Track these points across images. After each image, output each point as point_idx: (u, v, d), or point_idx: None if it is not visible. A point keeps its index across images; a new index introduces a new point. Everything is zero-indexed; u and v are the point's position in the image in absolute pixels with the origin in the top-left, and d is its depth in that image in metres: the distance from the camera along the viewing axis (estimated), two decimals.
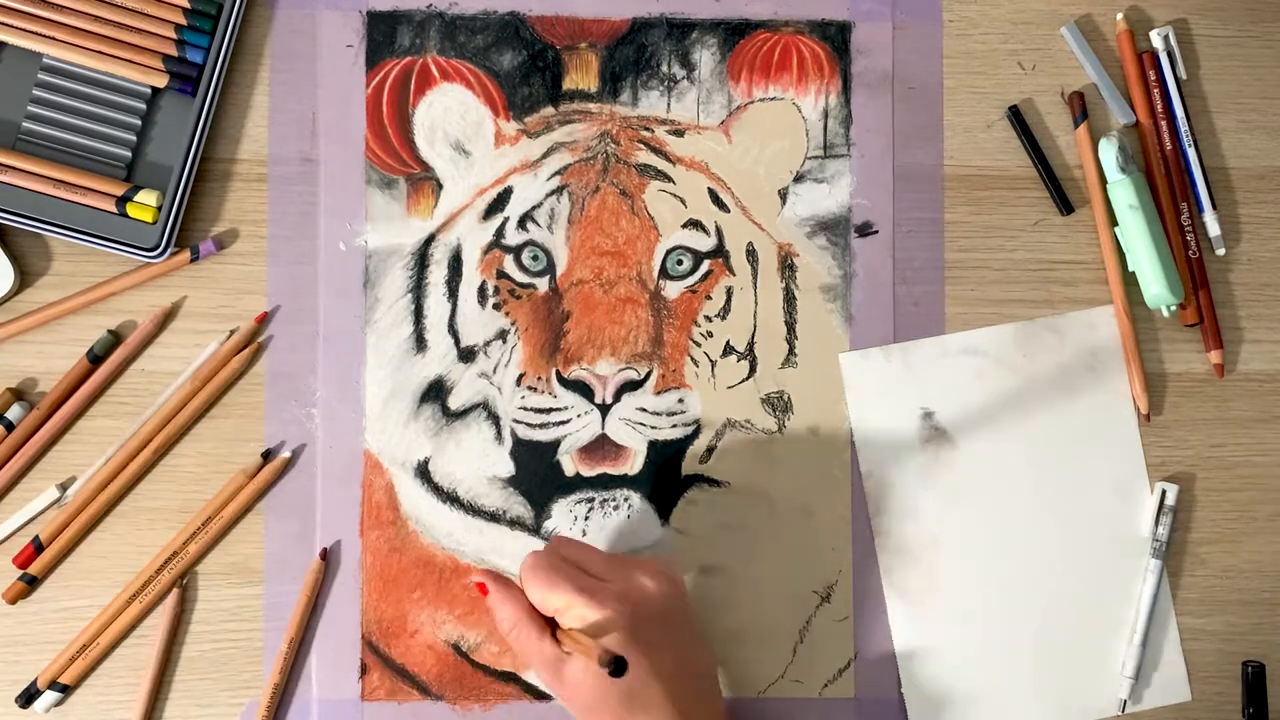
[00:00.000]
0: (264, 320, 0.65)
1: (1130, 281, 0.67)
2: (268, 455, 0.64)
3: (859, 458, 0.66)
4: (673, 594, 0.58)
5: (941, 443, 0.66)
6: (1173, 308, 0.66)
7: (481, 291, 0.66)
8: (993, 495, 0.66)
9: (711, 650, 0.59)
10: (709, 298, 0.66)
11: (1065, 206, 0.67)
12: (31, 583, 0.63)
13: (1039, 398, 0.67)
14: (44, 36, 0.63)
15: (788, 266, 0.67)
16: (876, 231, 0.67)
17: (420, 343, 0.66)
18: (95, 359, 0.64)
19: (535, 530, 0.65)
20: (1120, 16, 0.68)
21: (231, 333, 0.65)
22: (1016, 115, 0.67)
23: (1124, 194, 0.66)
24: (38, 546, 0.63)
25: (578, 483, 0.65)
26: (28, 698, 0.62)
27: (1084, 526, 0.66)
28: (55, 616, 0.64)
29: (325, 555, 0.64)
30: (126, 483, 0.64)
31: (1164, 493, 0.66)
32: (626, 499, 0.65)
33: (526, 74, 0.66)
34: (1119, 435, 0.67)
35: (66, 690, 0.63)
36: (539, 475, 0.65)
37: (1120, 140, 0.66)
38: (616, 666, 0.51)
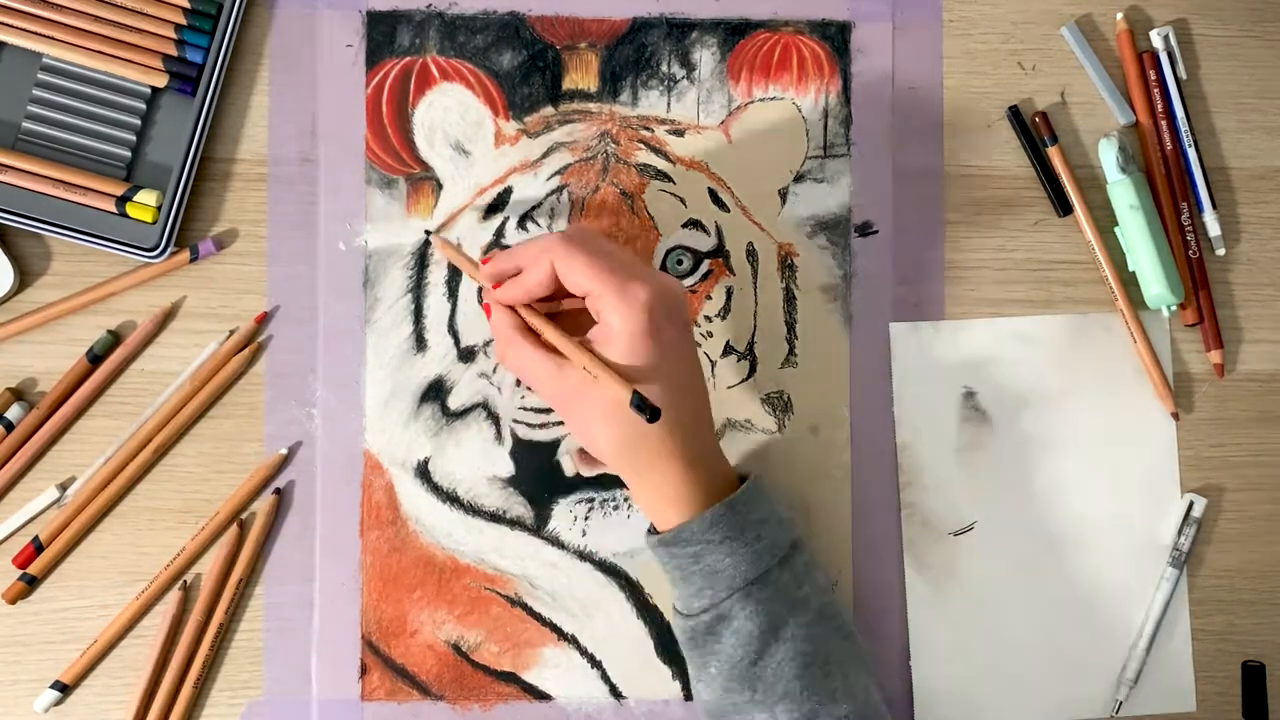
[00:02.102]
0: (263, 320, 0.65)
1: (1130, 281, 0.67)
2: (279, 491, 0.65)
3: (897, 429, 0.66)
4: (688, 303, 0.58)
5: (980, 424, 0.66)
6: (1173, 307, 0.66)
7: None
8: (1024, 483, 0.66)
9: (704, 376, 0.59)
10: (709, 298, 0.66)
11: (1063, 207, 0.67)
12: (31, 583, 0.63)
13: (1083, 392, 0.67)
14: (44, 36, 0.63)
15: (788, 266, 0.67)
16: (876, 231, 0.67)
17: (420, 342, 0.66)
18: (95, 359, 0.64)
19: (535, 530, 0.65)
20: (1120, 16, 0.68)
21: (231, 333, 0.65)
22: (1016, 116, 0.67)
23: (1124, 194, 0.66)
24: (38, 546, 0.63)
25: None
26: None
27: (1109, 526, 0.66)
28: (55, 617, 0.64)
29: (280, 494, 0.64)
30: (126, 483, 0.64)
31: (1191, 504, 0.66)
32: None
33: (526, 74, 0.66)
34: (1156, 440, 0.67)
35: (66, 690, 0.63)
36: (539, 475, 0.65)
37: (1120, 140, 0.66)
38: (652, 414, 0.51)
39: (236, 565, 0.64)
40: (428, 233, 0.65)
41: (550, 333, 0.56)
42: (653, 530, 0.58)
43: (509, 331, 0.57)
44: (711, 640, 0.55)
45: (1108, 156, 0.66)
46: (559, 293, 0.57)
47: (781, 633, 0.55)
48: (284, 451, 0.64)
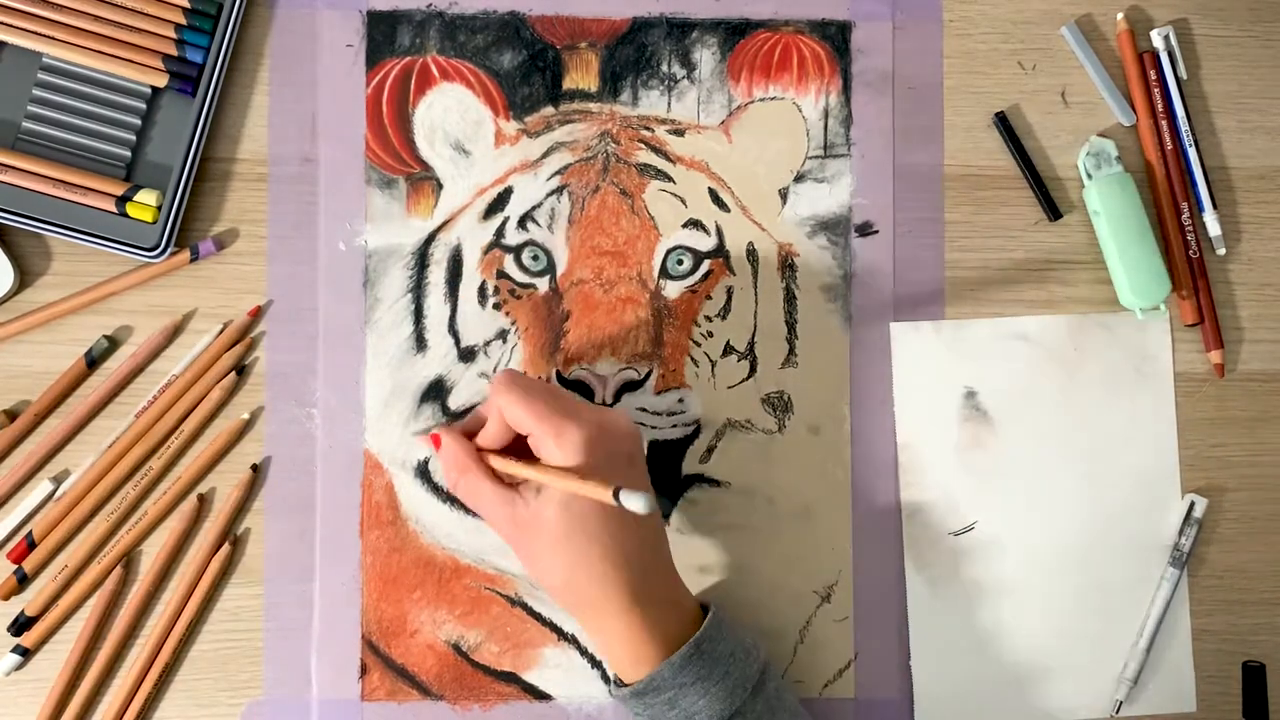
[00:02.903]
0: (257, 314, 0.65)
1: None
2: (257, 469, 0.65)
3: (897, 428, 0.66)
4: (638, 439, 0.58)
5: (981, 424, 0.66)
6: (1147, 311, 0.66)
7: (481, 291, 0.66)
8: (1024, 483, 0.66)
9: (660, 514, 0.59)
10: (709, 298, 0.66)
11: (1053, 213, 0.67)
12: (23, 580, 0.63)
13: (1083, 393, 0.67)
14: (44, 36, 0.63)
15: (788, 266, 0.67)
16: (876, 231, 0.67)
17: (420, 343, 0.66)
18: (93, 361, 0.64)
19: None
20: (1120, 16, 0.68)
21: (226, 325, 0.65)
22: (1003, 121, 0.67)
23: (1090, 200, 0.66)
24: (30, 543, 0.63)
25: None
26: (19, 627, 0.63)
27: (1109, 526, 0.66)
28: (52, 615, 0.64)
29: (256, 470, 0.64)
30: (120, 479, 0.64)
31: (1192, 504, 0.66)
32: None
33: (526, 74, 0.66)
34: (1157, 441, 0.67)
35: (27, 654, 0.63)
36: None
37: (1092, 146, 0.66)
38: (647, 503, 0.49)
39: (197, 541, 0.64)
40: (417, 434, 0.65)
41: (510, 465, 0.56)
42: (619, 682, 0.57)
43: (463, 460, 0.57)
44: None
45: (1081, 163, 0.66)
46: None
47: None
48: (245, 417, 0.64)
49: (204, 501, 0.64)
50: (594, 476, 0.52)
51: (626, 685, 0.56)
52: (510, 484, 0.57)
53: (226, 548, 0.64)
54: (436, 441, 0.59)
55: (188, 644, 0.64)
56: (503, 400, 0.56)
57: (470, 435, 0.59)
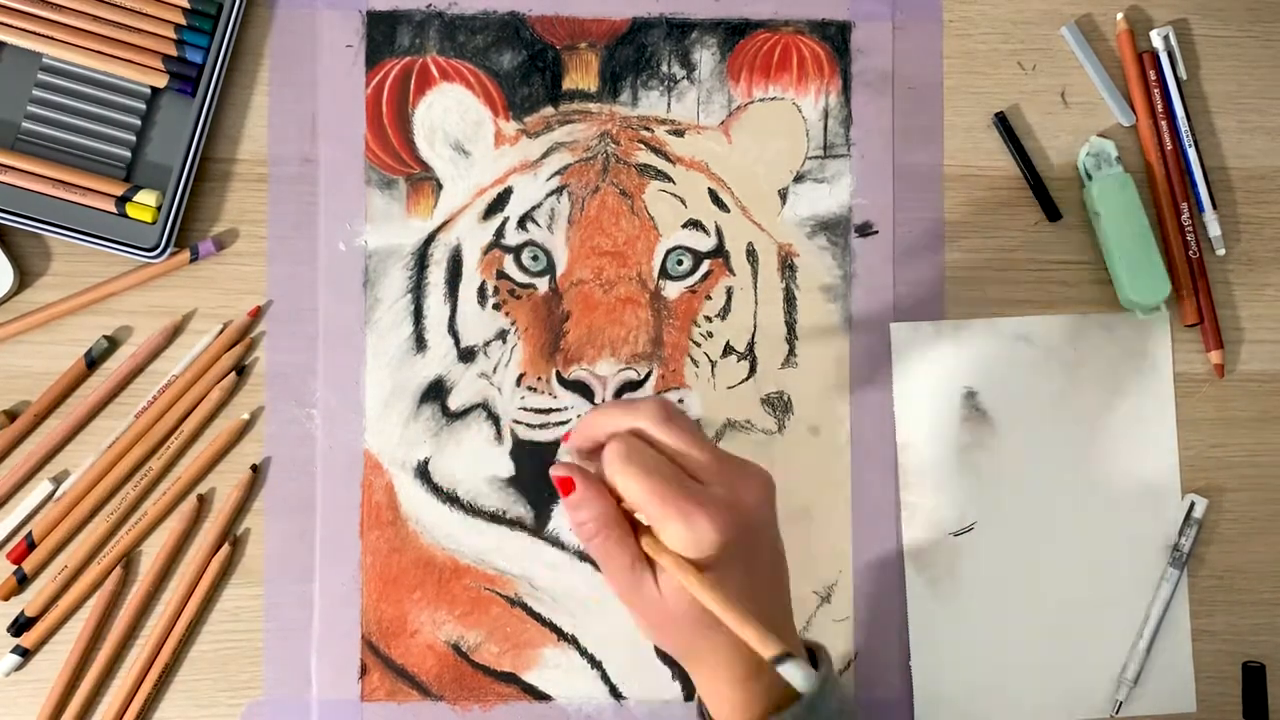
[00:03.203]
0: (257, 315, 0.65)
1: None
2: (257, 469, 0.65)
3: (897, 428, 0.66)
4: (771, 502, 0.51)
5: (981, 424, 0.66)
6: (1147, 311, 0.66)
7: (481, 291, 0.66)
8: (1024, 484, 0.66)
9: (787, 567, 0.53)
10: (709, 298, 0.66)
11: (1053, 213, 0.67)
12: (23, 580, 0.63)
13: (1083, 393, 0.67)
14: (44, 36, 0.63)
15: (788, 266, 0.67)
16: (876, 231, 0.67)
17: (420, 343, 0.66)
18: (92, 362, 0.64)
19: (535, 531, 0.65)
20: (1120, 16, 0.68)
21: (225, 326, 0.65)
22: (1003, 122, 0.67)
23: (1090, 200, 0.66)
24: (30, 544, 0.63)
25: None
26: (19, 628, 0.63)
27: (1109, 527, 0.66)
28: (52, 615, 0.64)
29: (256, 470, 0.64)
30: (120, 479, 0.64)
31: (1192, 504, 0.66)
32: None
33: (526, 74, 0.66)
34: (1156, 441, 0.67)
35: (27, 654, 0.63)
36: (539, 475, 0.65)
37: (1092, 146, 0.66)
38: (805, 677, 0.44)
39: (197, 541, 0.64)
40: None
41: (651, 544, 0.49)
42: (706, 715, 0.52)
43: (609, 519, 0.49)
44: None
45: (1080, 163, 0.66)
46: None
47: None
48: (245, 417, 0.64)
49: (204, 502, 0.64)
50: (728, 568, 0.47)
51: None
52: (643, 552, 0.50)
53: (226, 548, 0.64)
54: (568, 486, 0.50)
55: (187, 644, 0.64)
56: (620, 477, 0.48)
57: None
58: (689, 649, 0.51)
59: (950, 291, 0.67)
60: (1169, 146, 0.67)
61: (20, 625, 0.63)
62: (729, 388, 0.66)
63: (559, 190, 0.66)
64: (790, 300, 0.67)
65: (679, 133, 0.67)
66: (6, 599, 0.63)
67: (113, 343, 0.65)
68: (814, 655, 0.52)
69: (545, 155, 0.66)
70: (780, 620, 0.52)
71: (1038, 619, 0.66)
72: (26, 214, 0.62)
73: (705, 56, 0.67)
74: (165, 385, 0.64)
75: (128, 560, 0.64)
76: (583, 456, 0.52)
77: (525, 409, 0.65)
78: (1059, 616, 0.66)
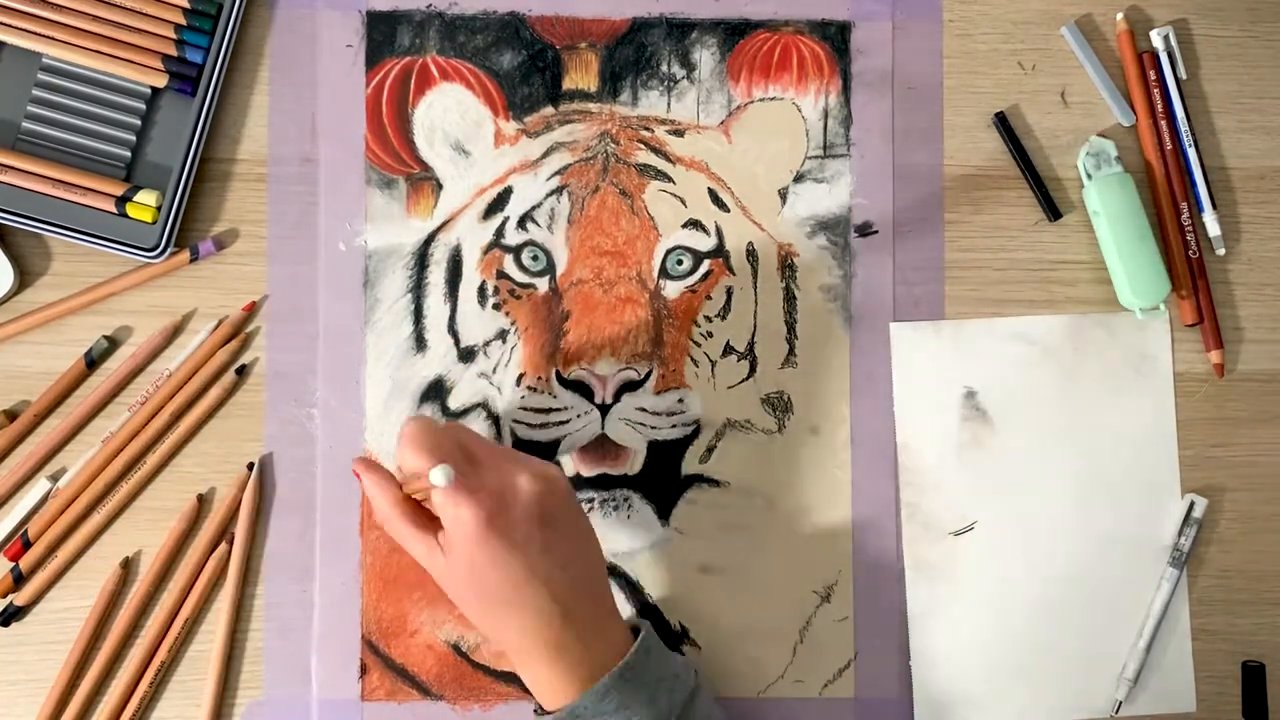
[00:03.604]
0: (252, 310, 0.65)
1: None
2: (251, 467, 0.65)
3: (897, 428, 0.66)
4: (552, 495, 0.55)
5: (980, 424, 0.66)
6: (1147, 311, 0.66)
7: (481, 291, 0.66)
8: (1024, 483, 0.66)
9: (602, 556, 0.58)
10: (709, 298, 0.66)
11: (1053, 213, 0.67)
12: (19, 579, 0.63)
13: (1083, 393, 0.67)
14: (44, 36, 0.63)
15: (788, 266, 0.67)
16: (876, 231, 0.67)
17: (420, 343, 0.66)
18: (92, 362, 0.64)
19: None
20: (1120, 16, 0.68)
21: (221, 321, 0.65)
22: (1003, 122, 0.67)
23: (1089, 200, 0.66)
24: (25, 542, 0.63)
25: (578, 483, 0.65)
26: (7, 618, 0.63)
27: (1109, 526, 0.66)
28: (51, 615, 0.64)
29: (253, 466, 0.64)
30: (115, 476, 0.64)
31: (1191, 504, 0.66)
32: (626, 499, 0.65)
33: (526, 74, 0.66)
34: (1156, 441, 0.67)
35: (19, 611, 0.63)
36: None
37: (1092, 146, 0.66)
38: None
39: (197, 541, 0.64)
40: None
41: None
42: (540, 710, 0.56)
43: (385, 507, 0.55)
44: None
45: (1080, 163, 0.66)
46: None
47: None
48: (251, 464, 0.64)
49: (204, 502, 0.64)
50: (487, 545, 0.52)
51: (548, 713, 0.55)
52: (431, 527, 0.55)
53: (224, 546, 0.64)
54: (357, 476, 0.57)
55: (187, 644, 0.64)
56: (406, 457, 0.54)
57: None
58: (493, 619, 0.55)
59: (950, 291, 0.67)
60: (1169, 146, 0.67)
61: (9, 615, 0.63)
62: (729, 387, 0.66)
63: (559, 190, 0.66)
64: (790, 300, 0.67)
65: (679, 133, 0.67)
66: (3, 596, 0.63)
67: (113, 343, 0.65)
68: (638, 633, 0.56)
69: (545, 155, 0.66)
70: (578, 594, 0.55)
71: (1038, 619, 0.66)
72: (26, 214, 0.62)
73: (705, 56, 0.67)
74: (160, 381, 0.64)
75: (126, 560, 0.64)
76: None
77: (525, 409, 0.65)
78: (1059, 616, 0.66)
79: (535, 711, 0.56)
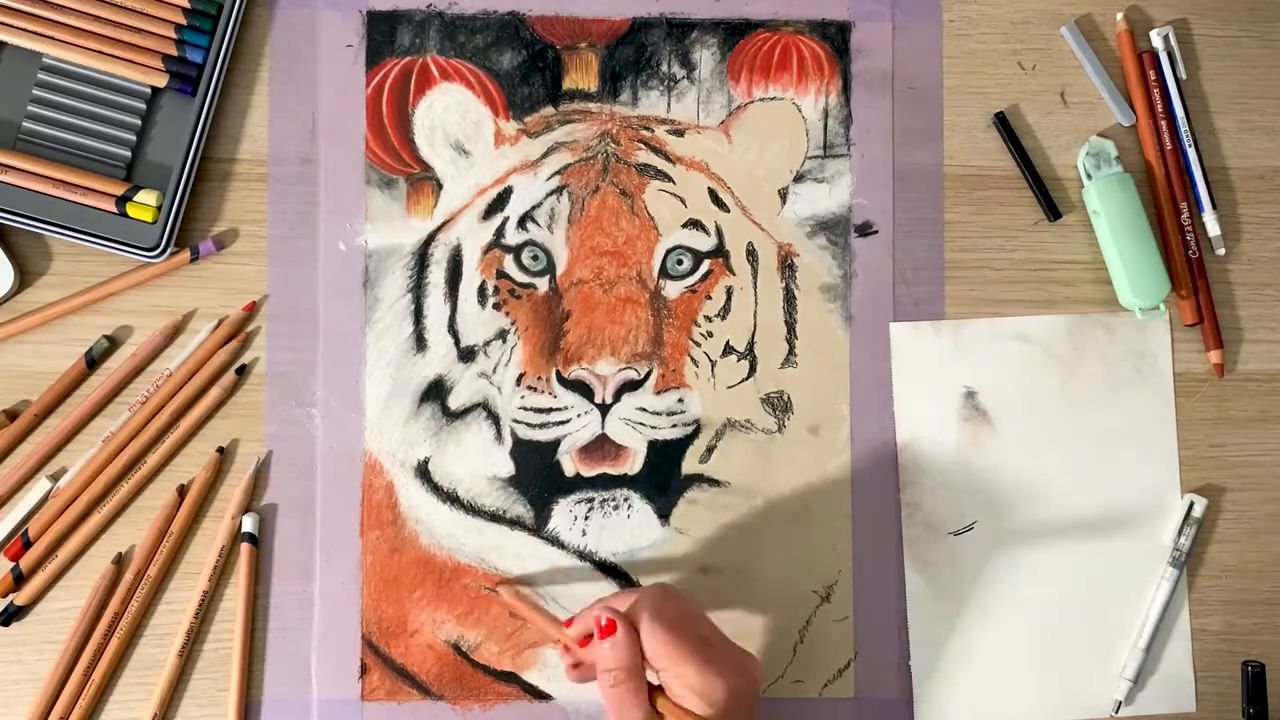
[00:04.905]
0: (253, 310, 0.65)
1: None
2: (222, 451, 0.65)
3: (897, 428, 0.66)
4: (759, 686, 0.56)
5: (981, 424, 0.66)
6: (1147, 311, 0.66)
7: (481, 291, 0.66)
8: (1024, 483, 0.66)
9: None
10: (709, 297, 0.66)
11: (1053, 213, 0.67)
12: (20, 578, 0.63)
13: (1083, 393, 0.67)
14: (44, 36, 0.63)
15: (788, 266, 0.67)
16: (876, 231, 0.67)
17: (420, 342, 0.66)
18: (93, 361, 0.64)
19: (535, 530, 0.65)
20: (1120, 16, 0.68)
21: (221, 321, 0.65)
22: (1003, 122, 0.67)
23: (1089, 200, 0.66)
24: (25, 542, 0.63)
25: (578, 483, 0.65)
26: (7, 617, 0.63)
27: (1109, 526, 0.66)
28: (51, 614, 0.64)
29: (241, 370, 0.64)
30: (115, 476, 0.64)
31: (1191, 504, 0.66)
32: (626, 499, 0.65)
33: (526, 74, 0.66)
34: (1156, 441, 0.67)
35: (20, 611, 0.63)
36: (539, 475, 0.65)
37: (1092, 146, 0.66)
38: None
39: (196, 540, 0.64)
40: (494, 589, 0.64)
41: (663, 701, 0.53)
42: None
43: (634, 668, 0.53)
44: None
45: (1080, 163, 0.66)
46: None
47: None
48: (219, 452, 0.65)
49: (183, 493, 0.64)
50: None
51: None
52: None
53: (223, 544, 0.64)
54: (611, 628, 0.54)
55: (187, 644, 0.64)
56: (647, 629, 0.53)
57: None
58: None
59: (950, 291, 0.67)
60: (1169, 146, 0.67)
61: (9, 614, 0.63)
62: (729, 387, 0.66)
63: (559, 190, 0.66)
64: (790, 300, 0.67)
65: (679, 132, 0.67)
66: (4, 595, 0.63)
67: (113, 342, 0.65)
68: None
69: (545, 155, 0.66)
70: None
71: (1037, 618, 0.66)
72: (27, 214, 0.62)
73: (705, 56, 0.67)
74: (160, 381, 0.64)
75: (120, 557, 0.64)
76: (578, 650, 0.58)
77: (525, 408, 0.65)
78: (1058, 616, 0.66)
79: None
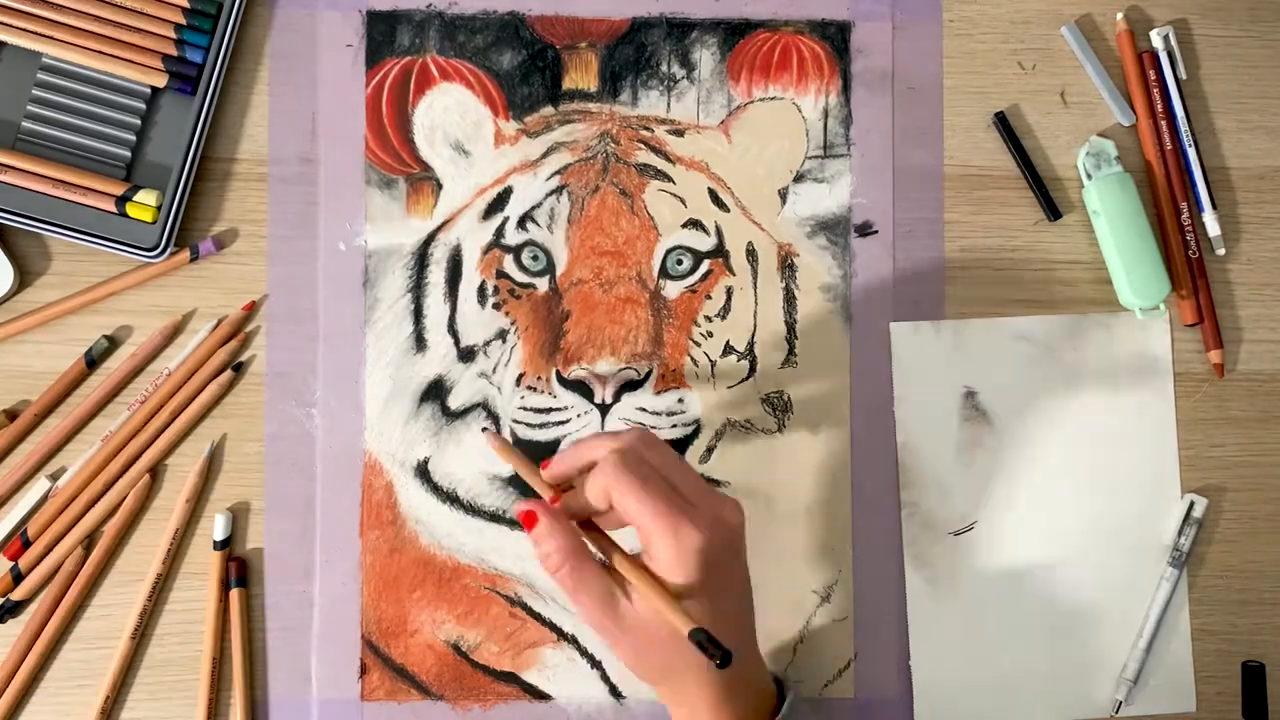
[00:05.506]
0: (252, 309, 0.65)
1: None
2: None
3: (897, 428, 0.66)
4: (743, 532, 0.54)
5: (981, 424, 0.66)
6: (1147, 311, 0.66)
7: (481, 291, 0.66)
8: (1024, 483, 0.66)
9: (752, 593, 0.56)
10: (709, 297, 0.66)
11: (1053, 213, 0.67)
12: (19, 578, 0.63)
13: (1083, 393, 0.67)
14: (44, 36, 0.63)
15: (788, 266, 0.67)
16: (876, 231, 0.67)
17: (420, 342, 0.66)
18: (92, 361, 0.64)
19: None
20: (1120, 16, 0.68)
21: (220, 321, 0.65)
22: (1003, 122, 0.67)
23: (1089, 200, 0.66)
24: (25, 541, 0.63)
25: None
26: (3, 613, 0.63)
27: (1109, 526, 0.66)
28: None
29: (238, 368, 0.64)
30: (114, 475, 0.64)
31: (1191, 504, 0.66)
32: None
33: (526, 74, 0.66)
34: (1157, 441, 0.67)
35: (17, 607, 0.63)
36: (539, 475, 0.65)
37: (1092, 146, 0.66)
38: (724, 659, 0.47)
39: (196, 540, 0.64)
40: (484, 429, 0.64)
41: (621, 561, 0.52)
42: None
43: (574, 551, 0.51)
44: None
45: (1080, 163, 0.66)
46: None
47: None
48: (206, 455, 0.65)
49: (156, 477, 0.64)
50: (700, 577, 0.50)
51: None
52: (607, 571, 0.52)
53: (177, 528, 0.64)
54: (531, 519, 0.52)
55: (185, 644, 0.64)
56: (615, 488, 0.51)
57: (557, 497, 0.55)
58: (665, 671, 0.52)
59: (950, 291, 0.67)
60: (1169, 146, 0.67)
61: (6, 612, 0.63)
62: (729, 387, 0.66)
63: (559, 190, 0.66)
64: (790, 300, 0.67)
65: (679, 132, 0.67)
66: (2, 594, 0.63)
67: (113, 342, 0.65)
68: (782, 687, 0.55)
69: (545, 155, 0.66)
70: (746, 646, 0.54)
71: (1037, 618, 0.66)
72: (26, 214, 0.62)
73: (705, 56, 0.67)
74: (160, 381, 0.64)
75: (89, 540, 0.64)
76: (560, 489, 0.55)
77: (525, 408, 0.65)
78: (1059, 616, 0.66)
79: None
